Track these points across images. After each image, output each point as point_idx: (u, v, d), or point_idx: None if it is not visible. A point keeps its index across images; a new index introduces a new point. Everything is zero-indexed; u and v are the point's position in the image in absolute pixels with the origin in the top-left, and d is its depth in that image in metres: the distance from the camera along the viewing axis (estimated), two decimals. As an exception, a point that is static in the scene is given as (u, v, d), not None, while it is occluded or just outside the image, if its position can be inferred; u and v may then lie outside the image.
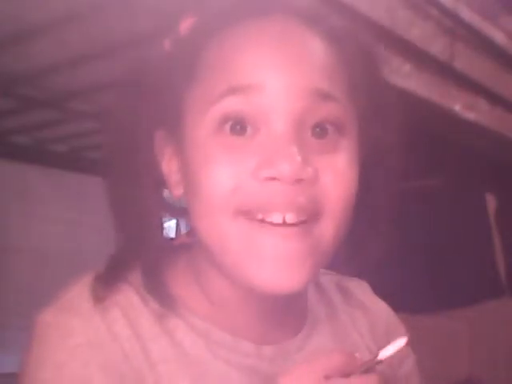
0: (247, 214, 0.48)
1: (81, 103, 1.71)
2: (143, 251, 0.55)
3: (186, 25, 0.53)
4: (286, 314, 0.56)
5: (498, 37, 1.46)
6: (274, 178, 0.47)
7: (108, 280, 0.54)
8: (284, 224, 0.48)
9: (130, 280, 0.54)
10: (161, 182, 0.56)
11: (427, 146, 1.71)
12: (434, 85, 1.35)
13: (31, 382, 0.52)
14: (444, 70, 1.35)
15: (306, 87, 0.49)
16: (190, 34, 0.52)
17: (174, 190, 0.55)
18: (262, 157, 0.48)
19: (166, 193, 0.61)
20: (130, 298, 0.52)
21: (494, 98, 1.52)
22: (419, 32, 1.25)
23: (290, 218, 0.48)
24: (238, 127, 0.48)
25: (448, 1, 1.30)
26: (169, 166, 0.54)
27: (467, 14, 1.35)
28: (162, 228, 0.59)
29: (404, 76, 1.26)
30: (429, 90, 1.33)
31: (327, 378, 0.46)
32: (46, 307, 0.52)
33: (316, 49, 0.51)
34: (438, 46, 1.31)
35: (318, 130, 0.50)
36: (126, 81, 0.55)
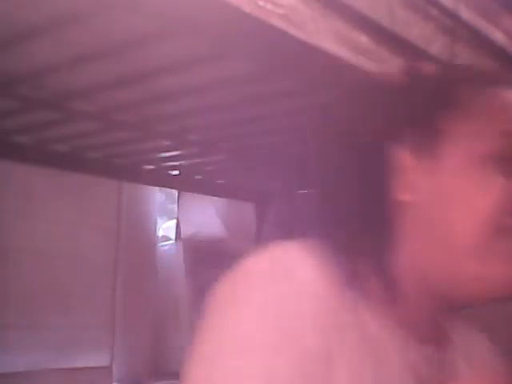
0: (498, 228, 0.58)
1: (81, 103, 1.71)
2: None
3: (435, 69, 0.66)
4: (442, 324, 0.66)
5: (498, 37, 1.46)
6: None
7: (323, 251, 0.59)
8: None
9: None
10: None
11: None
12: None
13: (231, 316, 0.54)
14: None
15: None
16: (453, 78, 0.65)
17: (403, 196, 0.62)
18: None
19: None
20: (327, 269, 0.58)
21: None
22: (419, 32, 1.25)
23: None
24: (502, 160, 0.59)
25: (448, 1, 1.30)
26: (407, 177, 0.62)
27: (467, 14, 1.35)
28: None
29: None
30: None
31: None
32: (254, 256, 0.57)
33: None
34: (437, 46, 1.31)
35: None
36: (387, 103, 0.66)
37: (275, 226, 3.04)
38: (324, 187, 0.68)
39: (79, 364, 2.70)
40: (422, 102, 0.63)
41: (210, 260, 3.40)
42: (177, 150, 2.24)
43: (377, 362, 0.57)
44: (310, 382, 0.51)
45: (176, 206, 3.45)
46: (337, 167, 0.66)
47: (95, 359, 2.80)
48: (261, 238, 3.02)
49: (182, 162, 2.45)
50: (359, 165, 0.63)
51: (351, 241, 0.61)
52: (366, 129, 0.64)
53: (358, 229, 0.62)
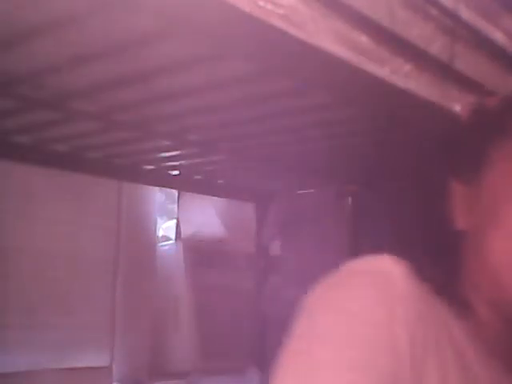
0: None
1: (81, 103, 1.71)
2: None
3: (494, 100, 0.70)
4: None
5: (498, 37, 1.46)
6: None
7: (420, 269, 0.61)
8: None
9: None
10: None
11: (428, 146, 1.71)
12: (434, 85, 1.35)
13: (330, 314, 0.56)
14: (444, 70, 1.35)
15: None
16: (500, 108, 0.68)
17: (459, 224, 0.66)
18: None
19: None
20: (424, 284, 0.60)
21: (494, 98, 1.52)
22: (419, 32, 1.25)
23: None
24: None
25: (448, 1, 1.30)
26: (460, 206, 0.67)
27: (467, 14, 1.35)
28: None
29: (404, 76, 1.26)
30: (429, 90, 1.33)
31: None
32: (353, 262, 0.59)
33: None
34: (437, 46, 1.31)
35: None
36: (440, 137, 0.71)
37: (275, 226, 3.04)
38: (398, 217, 0.75)
39: (79, 364, 2.70)
40: (476, 135, 0.67)
41: (209, 260, 3.40)
42: (177, 150, 2.24)
43: (467, 381, 0.58)
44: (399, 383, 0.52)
45: (176, 206, 3.45)
46: (410, 200, 0.71)
47: (95, 359, 2.80)
48: (261, 238, 3.02)
49: (182, 162, 2.45)
50: (428, 196, 0.69)
51: (425, 266, 0.63)
52: (435, 165, 0.72)
53: (429, 255, 0.66)
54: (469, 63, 1.40)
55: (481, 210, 0.65)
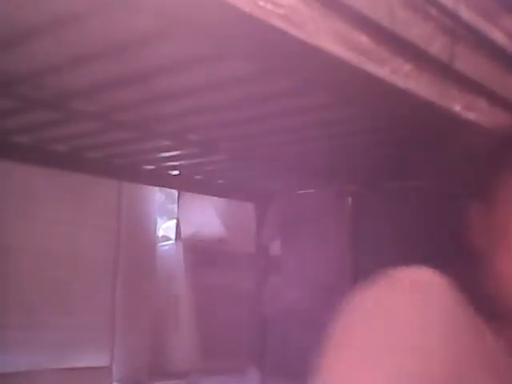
0: None
1: (81, 103, 1.71)
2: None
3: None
4: None
5: (498, 37, 1.46)
6: None
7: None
8: None
9: None
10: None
11: (428, 146, 1.71)
12: (434, 85, 1.35)
13: (372, 320, 0.58)
14: (444, 70, 1.35)
15: None
16: None
17: (476, 241, 0.69)
18: None
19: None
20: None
21: (494, 98, 1.52)
22: (419, 32, 1.25)
23: None
24: None
25: (448, 1, 1.30)
26: (476, 225, 0.69)
27: (467, 14, 1.35)
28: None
29: (404, 76, 1.26)
30: (429, 90, 1.33)
31: None
32: (395, 271, 0.61)
33: None
34: (437, 46, 1.31)
35: None
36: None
37: (275, 225, 3.04)
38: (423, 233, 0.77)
39: (79, 364, 2.70)
40: (493, 156, 0.70)
41: (210, 260, 3.40)
42: (177, 150, 2.24)
43: None
44: None
45: (176, 206, 3.45)
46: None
47: (95, 359, 2.80)
48: (261, 238, 3.02)
49: (182, 162, 2.45)
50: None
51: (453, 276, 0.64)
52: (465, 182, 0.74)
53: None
54: (469, 63, 1.40)
55: (492, 231, 0.66)
